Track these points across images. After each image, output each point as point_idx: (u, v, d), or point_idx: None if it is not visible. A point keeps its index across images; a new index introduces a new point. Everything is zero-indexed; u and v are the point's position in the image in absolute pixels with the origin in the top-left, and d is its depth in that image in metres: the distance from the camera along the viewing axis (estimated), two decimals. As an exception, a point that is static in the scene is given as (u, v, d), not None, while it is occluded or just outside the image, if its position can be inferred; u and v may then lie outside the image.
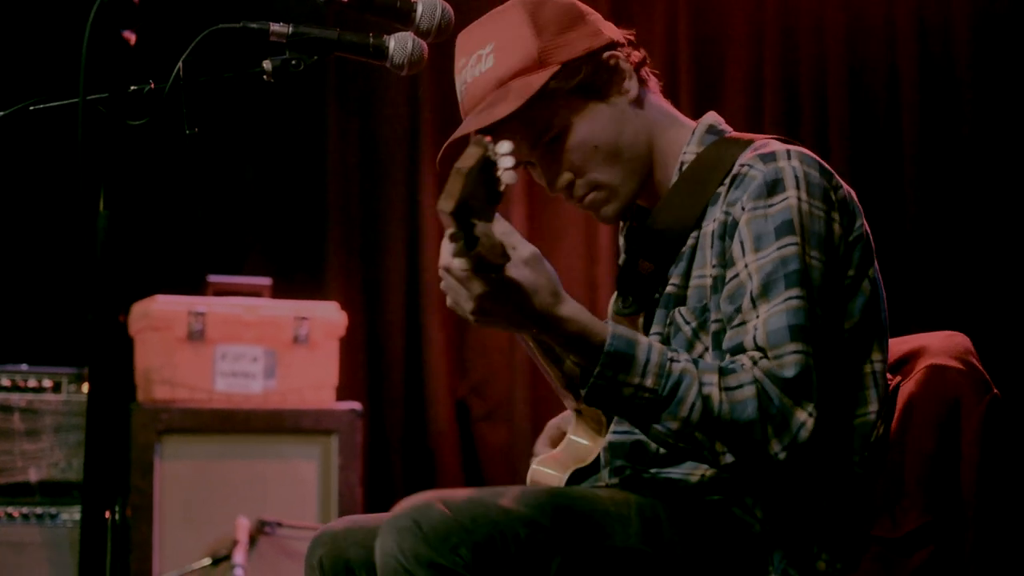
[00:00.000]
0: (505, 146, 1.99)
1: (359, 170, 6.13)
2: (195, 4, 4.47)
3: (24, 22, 5.56)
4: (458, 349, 6.16)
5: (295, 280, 5.80)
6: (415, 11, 2.36)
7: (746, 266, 2.29)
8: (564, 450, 2.61)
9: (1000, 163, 5.93)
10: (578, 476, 2.54)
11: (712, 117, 2.57)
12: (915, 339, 2.57)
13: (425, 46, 2.39)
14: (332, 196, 6.08)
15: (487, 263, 2.02)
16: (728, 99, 6.14)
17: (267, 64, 2.31)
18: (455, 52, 2.52)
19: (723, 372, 2.21)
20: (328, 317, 5.31)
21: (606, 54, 2.49)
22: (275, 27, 2.30)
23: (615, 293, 2.57)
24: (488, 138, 1.93)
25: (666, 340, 2.41)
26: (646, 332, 2.47)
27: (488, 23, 2.51)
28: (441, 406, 6.06)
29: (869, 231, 2.43)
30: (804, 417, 2.18)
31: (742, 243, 2.31)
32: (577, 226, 6.08)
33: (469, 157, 1.91)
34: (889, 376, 2.48)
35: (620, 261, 2.65)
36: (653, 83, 2.58)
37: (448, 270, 2.08)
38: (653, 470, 2.42)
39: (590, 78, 2.46)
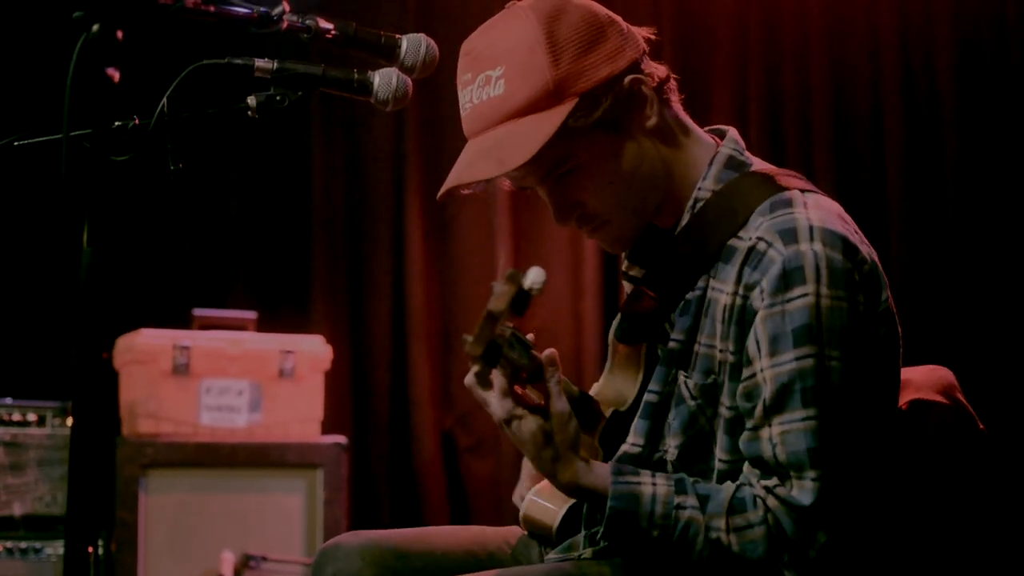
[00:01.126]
0: (538, 276, 1.98)
1: (344, 202, 6.14)
2: (180, 40, 4.46)
3: (8, 58, 5.56)
4: (443, 381, 6.15)
5: (280, 313, 5.80)
6: (399, 47, 2.36)
7: (761, 370, 2.19)
8: None
9: (984, 184, 5.94)
10: (574, 509, 2.50)
11: (732, 143, 2.40)
12: (898, 373, 2.56)
13: (410, 82, 2.39)
14: (317, 229, 6.09)
15: (525, 402, 2.13)
16: (713, 122, 6.13)
17: (252, 100, 2.30)
18: (459, 58, 2.35)
19: (732, 511, 2.18)
20: (313, 350, 5.31)
21: (628, 79, 2.28)
22: (260, 63, 2.29)
23: (619, 315, 2.48)
24: (520, 272, 1.94)
25: (666, 401, 2.32)
26: (647, 376, 2.42)
27: (500, 36, 2.30)
28: (427, 438, 6.05)
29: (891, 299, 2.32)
30: (819, 543, 2.16)
31: (758, 342, 2.19)
32: (562, 261, 6.09)
33: (501, 297, 1.92)
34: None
35: (623, 267, 2.54)
36: (674, 97, 2.39)
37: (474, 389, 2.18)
38: None
39: (610, 111, 2.26)
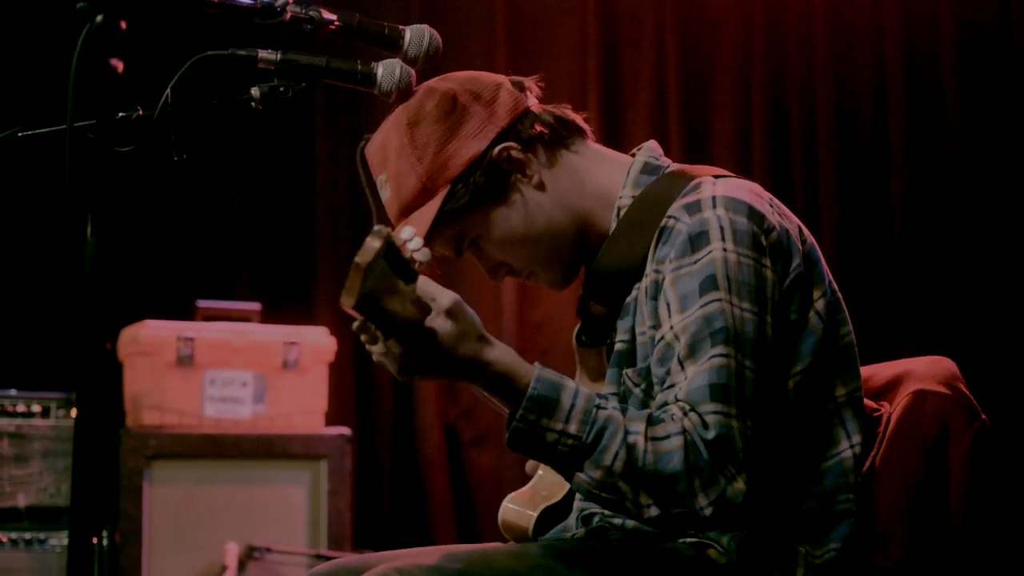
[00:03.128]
0: (407, 232, 2.03)
1: (348, 194, 6.13)
2: (183, 31, 4.47)
3: (11, 49, 5.56)
4: (447, 374, 6.14)
5: (284, 305, 5.80)
6: (403, 38, 2.37)
7: (672, 328, 2.21)
8: (534, 486, 2.58)
9: (988, 185, 5.94)
10: (548, 514, 2.53)
11: (647, 152, 2.48)
12: (900, 364, 2.55)
13: (413, 73, 2.40)
14: (321, 221, 6.09)
15: (407, 322, 2.00)
16: (716, 131, 6.14)
17: (255, 91, 2.31)
18: None
19: (651, 421, 2.13)
20: (317, 342, 5.32)
21: (496, 151, 2.40)
22: (263, 54, 2.30)
23: (579, 323, 2.52)
24: (388, 228, 1.93)
25: (623, 401, 2.31)
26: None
27: (381, 145, 2.49)
28: (431, 431, 6.05)
29: (817, 256, 2.35)
30: (730, 476, 2.11)
31: (668, 304, 2.22)
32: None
33: (368, 251, 1.90)
34: (874, 403, 2.47)
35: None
36: (575, 133, 2.49)
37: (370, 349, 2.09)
38: (622, 518, 2.37)
39: (484, 185, 2.40)
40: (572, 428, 2.12)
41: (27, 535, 4.84)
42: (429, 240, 2.36)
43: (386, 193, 2.46)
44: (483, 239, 2.46)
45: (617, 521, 2.38)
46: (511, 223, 2.43)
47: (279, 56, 2.30)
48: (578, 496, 2.47)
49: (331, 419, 5.35)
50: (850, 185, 6.08)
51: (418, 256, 2.00)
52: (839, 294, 2.39)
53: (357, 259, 1.90)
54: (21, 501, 4.87)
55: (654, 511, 2.13)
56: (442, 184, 2.40)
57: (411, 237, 2.02)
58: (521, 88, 2.48)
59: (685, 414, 2.13)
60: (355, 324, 1.96)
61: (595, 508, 2.41)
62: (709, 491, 2.10)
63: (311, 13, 2.31)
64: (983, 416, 2.47)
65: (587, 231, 2.47)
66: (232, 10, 2.26)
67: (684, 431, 2.11)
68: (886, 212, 6.04)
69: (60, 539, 4.86)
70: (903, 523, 2.37)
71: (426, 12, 6.02)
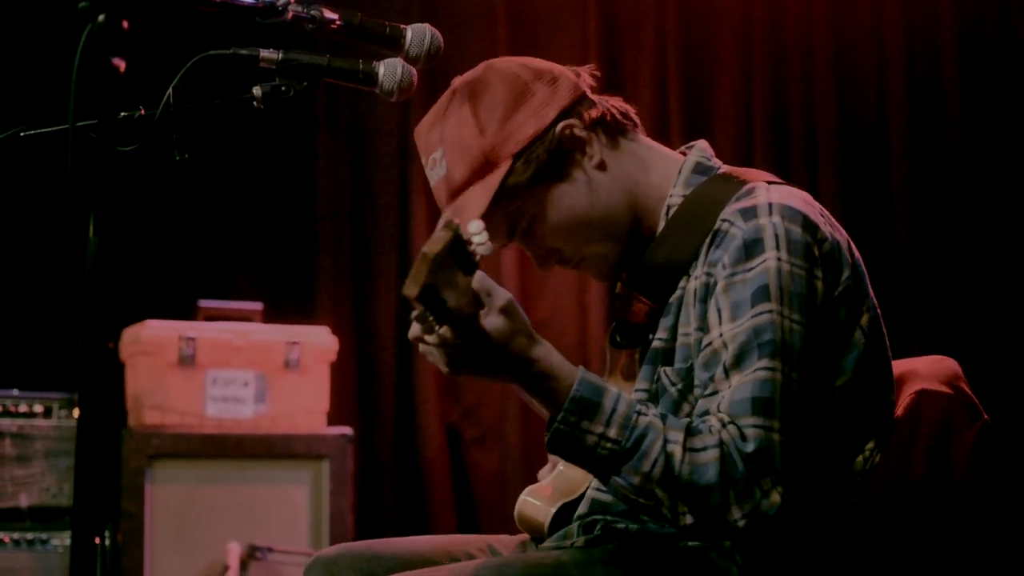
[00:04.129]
0: (475, 226, 2.00)
1: (350, 195, 6.14)
2: (185, 31, 4.47)
3: (14, 49, 5.56)
4: (450, 373, 6.14)
5: (286, 305, 5.80)
6: (404, 37, 2.36)
7: (721, 335, 2.21)
8: (554, 481, 2.58)
9: (990, 182, 5.94)
10: (566, 510, 2.52)
11: (699, 152, 2.49)
12: (903, 364, 2.54)
13: (415, 72, 2.39)
14: (323, 221, 6.09)
15: (462, 316, 2.01)
16: (718, 129, 6.15)
17: (257, 90, 2.31)
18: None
19: (690, 432, 2.14)
20: (319, 341, 5.32)
21: (559, 128, 2.39)
22: (265, 53, 2.30)
23: (613, 323, 2.53)
24: (457, 220, 1.94)
25: (653, 398, 2.33)
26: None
27: (435, 121, 2.45)
28: (432, 431, 6.05)
29: (863, 272, 2.35)
30: (766, 490, 2.12)
31: (719, 311, 2.22)
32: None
33: (436, 241, 1.91)
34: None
35: (617, 289, 2.58)
36: (628, 122, 2.49)
37: (420, 340, 2.08)
38: (625, 523, 2.37)
39: (547, 162, 2.38)
40: (612, 432, 2.12)
41: (29, 535, 4.85)
42: (487, 217, 2.29)
43: (439, 171, 2.41)
44: (538, 221, 2.42)
45: (620, 526, 2.37)
46: (570, 202, 2.41)
47: (281, 55, 2.30)
48: (585, 503, 2.46)
49: (333, 419, 5.35)
50: (851, 184, 6.08)
51: (481, 250, 1.99)
52: (879, 311, 2.38)
53: (425, 249, 1.91)
54: (23, 501, 4.87)
55: (689, 519, 2.15)
56: (504, 158, 2.37)
57: (479, 231, 1.99)
58: (577, 75, 2.48)
59: (724, 426, 2.14)
60: (414, 313, 1.98)
61: (597, 515, 2.41)
62: (744, 504, 2.12)
63: (313, 12, 2.31)
64: (985, 416, 2.47)
65: (639, 222, 2.45)
66: (234, 9, 2.26)
67: (721, 443, 2.12)
68: (887, 211, 6.05)
69: (62, 539, 4.86)
70: (905, 522, 2.37)
71: (427, 11, 6.02)
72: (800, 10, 6.24)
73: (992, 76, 6.01)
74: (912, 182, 6.03)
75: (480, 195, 2.35)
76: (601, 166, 2.43)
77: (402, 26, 2.38)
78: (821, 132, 6.14)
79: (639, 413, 2.14)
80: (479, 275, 2.02)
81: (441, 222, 1.95)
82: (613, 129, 2.46)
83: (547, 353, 2.14)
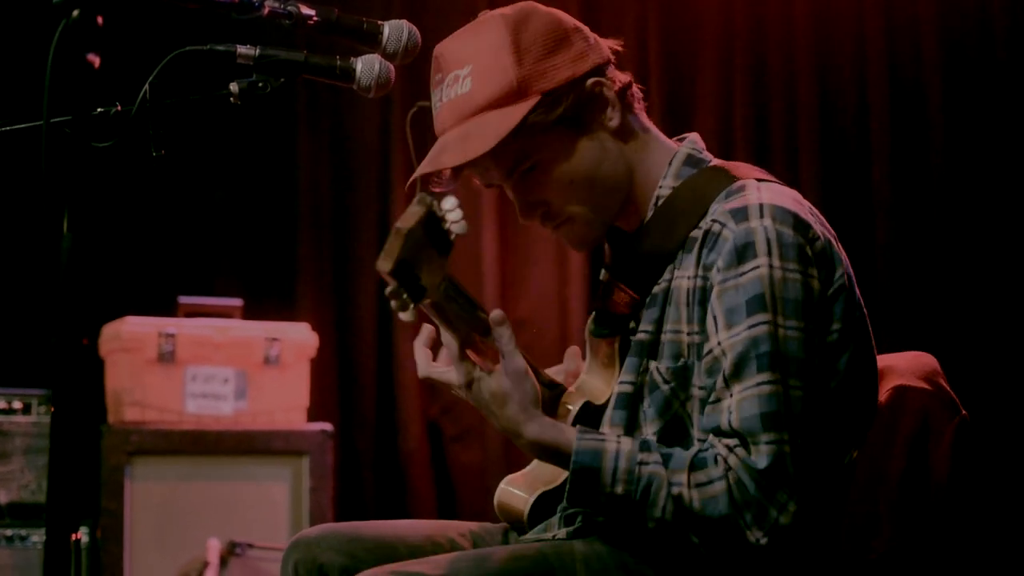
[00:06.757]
0: (450, 202, 2.01)
1: (330, 190, 6.13)
2: (162, 26, 4.46)
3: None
4: (430, 370, 6.13)
5: (266, 301, 5.79)
6: (381, 33, 2.36)
7: (719, 343, 2.22)
8: (532, 470, 2.59)
9: (970, 184, 5.96)
10: (545, 499, 2.52)
11: (691, 144, 2.48)
12: (881, 360, 2.54)
13: (392, 68, 2.39)
14: (303, 217, 6.08)
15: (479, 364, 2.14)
16: (699, 119, 6.15)
17: (234, 86, 2.31)
18: (432, 61, 2.43)
19: (694, 467, 2.18)
20: (299, 338, 5.31)
21: (590, 81, 2.37)
22: (242, 49, 2.30)
23: (593, 312, 2.53)
24: (431, 193, 1.95)
25: (639, 391, 2.35)
26: (620, 367, 2.44)
27: (469, 39, 2.41)
28: (413, 427, 6.05)
29: (851, 273, 2.35)
30: (783, 504, 2.14)
31: (715, 318, 2.24)
32: (548, 250, 6.09)
33: (410, 216, 1.92)
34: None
35: (601, 277, 2.57)
36: (638, 104, 2.48)
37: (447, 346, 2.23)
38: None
39: (572, 110, 2.36)
40: (619, 489, 2.19)
41: (8, 532, 4.83)
42: (499, 149, 2.31)
43: (459, 89, 2.37)
44: (542, 168, 2.39)
45: (601, 518, 2.37)
46: (581, 156, 2.39)
47: (258, 51, 2.30)
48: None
49: (313, 415, 5.34)
50: (832, 186, 6.09)
51: (456, 228, 2.00)
52: (865, 309, 2.39)
53: (399, 224, 1.93)
54: (2, 498, 4.86)
55: (716, 548, 2.19)
56: (534, 93, 2.34)
57: (453, 208, 2.00)
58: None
59: (731, 450, 2.17)
60: (388, 289, 1.98)
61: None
62: (762, 524, 2.15)
63: (289, 8, 2.30)
64: (963, 411, 2.48)
65: (630, 200, 2.45)
66: (210, 5, 2.26)
67: (727, 470, 2.16)
68: (868, 212, 6.06)
69: (41, 536, 4.84)
70: (884, 517, 2.37)
71: (408, 8, 6.01)
72: (781, 13, 6.25)
73: (973, 76, 6.03)
74: (892, 183, 6.05)
75: (500, 121, 2.32)
76: (616, 133, 2.42)
77: (379, 22, 2.38)
78: (801, 136, 6.15)
79: (641, 464, 2.19)
80: (506, 335, 2.20)
81: (416, 198, 1.96)
82: (630, 103, 2.46)
83: (540, 431, 2.24)
